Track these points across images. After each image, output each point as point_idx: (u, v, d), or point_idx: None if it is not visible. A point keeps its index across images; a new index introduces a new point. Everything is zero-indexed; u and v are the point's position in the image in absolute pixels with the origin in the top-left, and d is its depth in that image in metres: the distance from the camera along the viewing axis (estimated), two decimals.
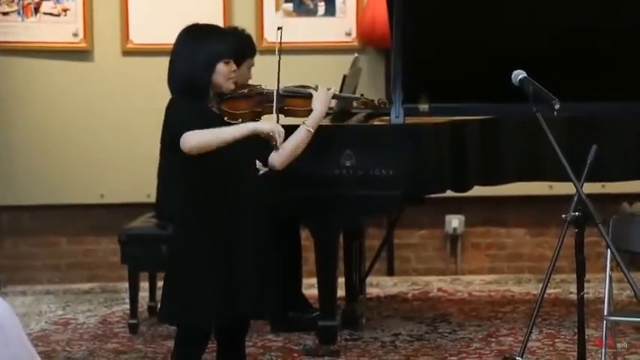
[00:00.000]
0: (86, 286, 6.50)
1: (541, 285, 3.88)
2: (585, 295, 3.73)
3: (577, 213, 3.61)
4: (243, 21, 6.10)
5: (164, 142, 4.32)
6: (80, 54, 6.46)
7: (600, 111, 5.18)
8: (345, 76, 5.13)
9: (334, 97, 4.46)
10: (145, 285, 5.62)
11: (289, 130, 4.21)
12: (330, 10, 6.51)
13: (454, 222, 6.72)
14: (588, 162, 3.83)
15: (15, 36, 6.41)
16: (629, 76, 5.26)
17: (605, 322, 4.30)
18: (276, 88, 4.22)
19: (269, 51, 6.01)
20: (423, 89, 5.24)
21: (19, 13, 6.41)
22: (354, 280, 5.48)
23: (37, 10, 6.41)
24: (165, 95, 4.07)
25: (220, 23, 5.66)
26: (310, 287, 5.56)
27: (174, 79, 4.02)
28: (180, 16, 6.18)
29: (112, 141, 6.48)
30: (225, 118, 4.07)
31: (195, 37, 4.04)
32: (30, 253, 6.65)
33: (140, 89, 6.35)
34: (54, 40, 6.42)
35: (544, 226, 6.69)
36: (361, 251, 5.70)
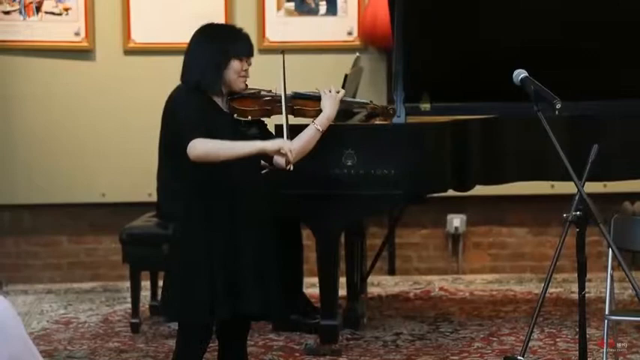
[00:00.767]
0: (87, 285, 6.50)
1: (542, 284, 3.88)
2: (587, 295, 3.72)
3: (578, 212, 3.61)
4: (245, 20, 6.10)
5: (164, 140, 4.31)
6: (82, 53, 6.46)
7: (601, 110, 5.17)
8: (346, 76, 5.12)
9: (342, 100, 4.47)
10: (146, 284, 5.62)
11: (298, 128, 4.22)
12: (332, 10, 6.50)
13: (456, 221, 6.72)
14: (589, 161, 3.83)
15: (16, 35, 6.41)
16: (631, 74, 5.25)
17: (606, 321, 4.30)
18: (283, 95, 4.22)
19: (270, 50, 6.07)
20: (424, 88, 5.23)
21: (20, 12, 6.41)
22: (355, 279, 5.48)
23: (38, 9, 6.41)
24: (168, 94, 4.08)
25: (221, 22, 5.65)
26: (311, 286, 5.56)
27: (188, 74, 4.05)
28: (182, 15, 6.24)
29: (113, 140, 6.48)
30: (235, 115, 4.10)
31: (211, 34, 4.11)
32: (31, 253, 6.65)
33: (142, 88, 6.35)
34: (55, 39, 6.42)
35: (545, 226, 6.69)
36: (362, 250, 5.70)
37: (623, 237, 4.32)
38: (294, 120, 4.31)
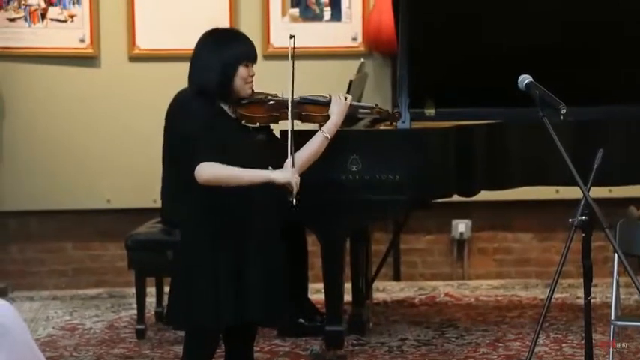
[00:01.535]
0: (93, 291, 6.51)
1: (548, 289, 3.88)
2: (592, 300, 3.73)
3: (584, 217, 3.60)
4: (250, 26, 6.12)
5: (169, 142, 4.31)
6: (87, 60, 6.47)
7: (607, 115, 5.17)
8: (351, 82, 5.13)
9: (351, 105, 4.47)
10: (152, 290, 5.62)
11: (306, 135, 4.22)
12: (336, 16, 6.51)
13: (461, 227, 6.72)
14: (595, 166, 3.82)
15: (22, 42, 6.42)
16: (636, 79, 5.25)
17: (612, 326, 4.29)
18: (290, 94, 4.21)
19: (275, 56, 6.07)
20: (429, 94, 5.23)
21: (25, 20, 6.42)
22: (360, 284, 5.48)
23: (43, 16, 6.42)
24: None
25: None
26: (317, 292, 5.56)
27: (195, 81, 4.04)
28: (187, 21, 6.25)
29: (119, 146, 6.49)
30: (243, 122, 4.08)
31: (217, 39, 4.09)
32: (37, 259, 6.66)
33: (146, 95, 6.36)
34: (60, 46, 6.43)
35: (551, 231, 6.68)
36: (368, 256, 5.70)
37: (628, 242, 4.31)
38: (300, 126, 4.30)
